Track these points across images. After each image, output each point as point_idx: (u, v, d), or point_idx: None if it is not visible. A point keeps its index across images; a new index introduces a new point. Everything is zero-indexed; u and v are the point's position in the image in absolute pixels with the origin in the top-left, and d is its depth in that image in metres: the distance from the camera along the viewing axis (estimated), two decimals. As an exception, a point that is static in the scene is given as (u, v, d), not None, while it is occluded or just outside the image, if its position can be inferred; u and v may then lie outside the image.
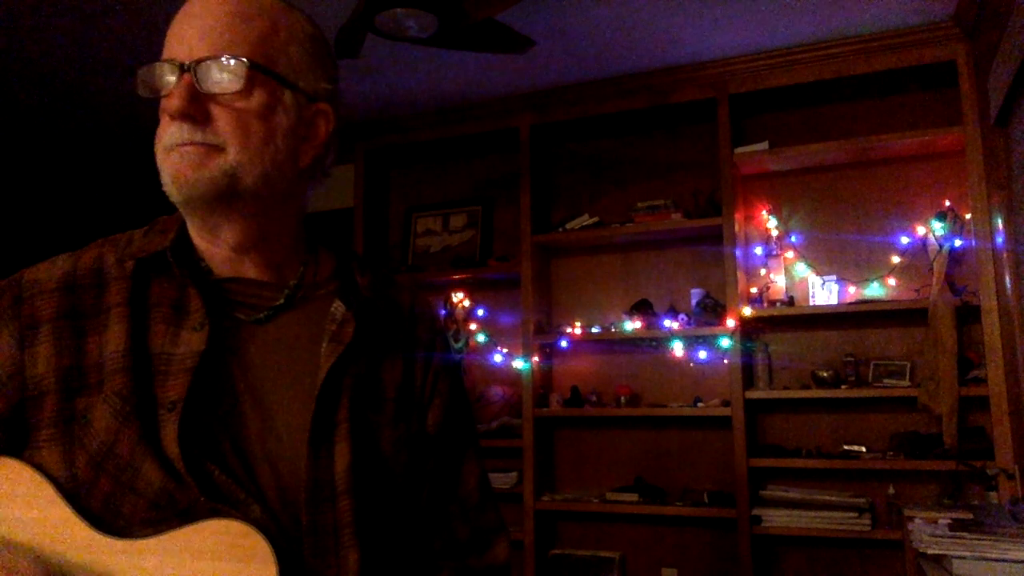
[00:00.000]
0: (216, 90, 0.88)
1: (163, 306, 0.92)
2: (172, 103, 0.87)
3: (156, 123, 0.92)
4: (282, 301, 0.96)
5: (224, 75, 0.88)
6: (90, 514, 0.84)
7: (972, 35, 3.03)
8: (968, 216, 3.13)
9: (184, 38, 0.89)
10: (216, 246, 0.95)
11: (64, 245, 1.04)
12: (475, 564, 1.03)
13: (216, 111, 0.89)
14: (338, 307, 0.96)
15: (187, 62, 0.87)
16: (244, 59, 0.88)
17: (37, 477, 0.86)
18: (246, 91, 0.89)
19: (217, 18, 0.89)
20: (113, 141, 4.19)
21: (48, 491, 0.85)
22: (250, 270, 0.97)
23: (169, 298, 0.93)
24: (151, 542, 0.82)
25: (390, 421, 0.96)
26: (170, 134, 0.88)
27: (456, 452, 1.05)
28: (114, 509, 0.85)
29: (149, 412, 0.86)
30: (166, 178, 0.89)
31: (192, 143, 0.87)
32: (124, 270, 0.93)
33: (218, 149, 0.88)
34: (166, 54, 0.90)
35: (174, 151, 0.88)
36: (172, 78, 0.88)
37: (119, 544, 0.82)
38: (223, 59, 0.88)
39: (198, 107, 0.88)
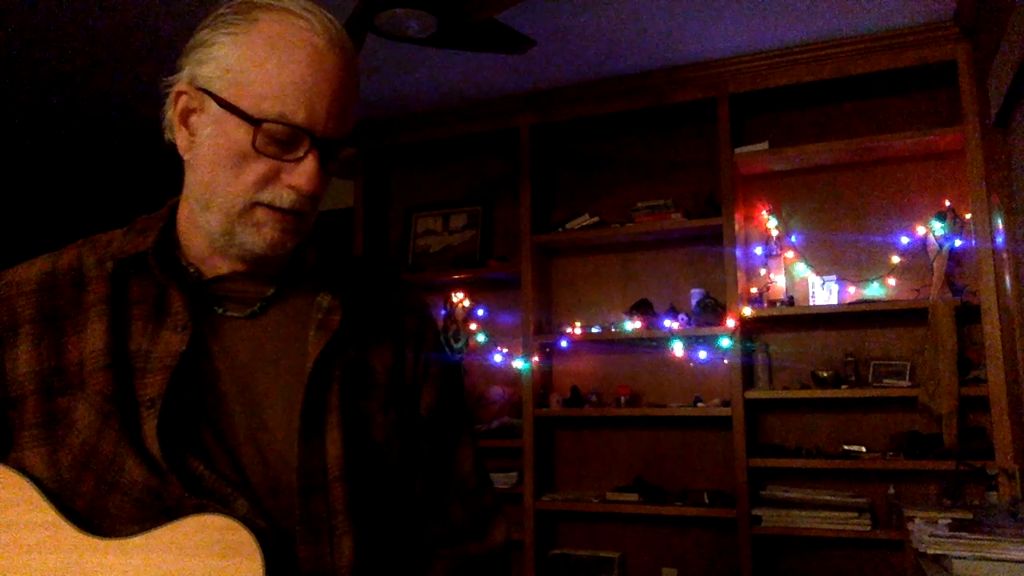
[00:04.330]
0: (329, 173, 0.91)
1: (143, 304, 0.92)
2: (304, 182, 0.87)
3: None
4: (273, 291, 0.96)
5: (337, 159, 0.91)
6: (75, 514, 0.84)
7: (972, 35, 3.03)
8: (968, 216, 3.13)
9: (315, 104, 0.86)
10: (227, 258, 0.94)
11: (48, 245, 1.03)
12: (474, 550, 1.02)
13: None
14: (324, 296, 0.97)
15: (319, 136, 0.87)
16: (347, 145, 0.91)
17: (21, 479, 0.85)
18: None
19: (345, 91, 0.89)
20: (100, 143, 4.20)
21: (32, 493, 0.85)
22: (244, 270, 0.97)
23: (150, 296, 0.93)
24: (136, 540, 0.82)
25: (382, 407, 0.96)
26: (284, 198, 0.88)
27: (450, 436, 1.05)
28: (100, 508, 0.85)
29: (130, 410, 0.86)
30: (257, 238, 0.89)
31: (301, 212, 0.90)
32: (104, 270, 0.93)
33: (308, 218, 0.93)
34: (291, 107, 0.85)
35: (280, 218, 0.89)
36: (303, 150, 0.87)
37: (104, 544, 0.82)
38: (343, 148, 0.90)
39: None
